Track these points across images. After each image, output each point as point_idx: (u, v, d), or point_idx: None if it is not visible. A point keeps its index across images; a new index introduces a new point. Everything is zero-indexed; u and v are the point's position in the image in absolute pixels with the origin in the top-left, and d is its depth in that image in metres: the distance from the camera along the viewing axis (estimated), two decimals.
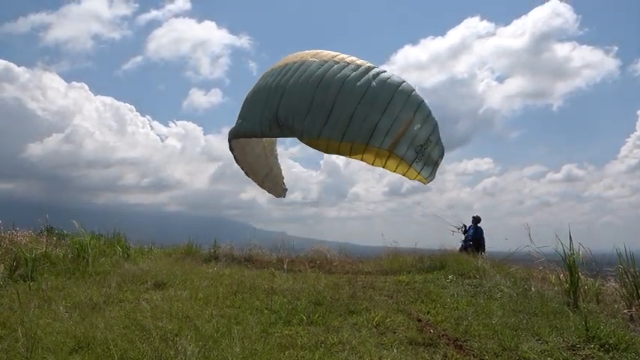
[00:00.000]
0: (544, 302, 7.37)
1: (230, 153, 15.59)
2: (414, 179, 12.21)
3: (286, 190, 17.69)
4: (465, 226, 15.42)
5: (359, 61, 11.95)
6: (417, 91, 11.85)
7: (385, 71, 11.88)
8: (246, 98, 14.27)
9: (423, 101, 11.78)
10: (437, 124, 11.98)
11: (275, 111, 12.24)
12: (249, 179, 16.75)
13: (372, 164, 11.90)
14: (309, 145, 12.05)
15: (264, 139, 15.62)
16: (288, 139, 17.01)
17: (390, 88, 11.38)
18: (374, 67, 11.84)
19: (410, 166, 11.58)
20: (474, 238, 15.05)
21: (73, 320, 5.89)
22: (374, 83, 11.31)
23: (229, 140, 15.04)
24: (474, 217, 15.55)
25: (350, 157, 11.93)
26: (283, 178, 17.52)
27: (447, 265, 10.95)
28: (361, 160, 11.89)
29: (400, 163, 11.61)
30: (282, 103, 12.11)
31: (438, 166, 12.39)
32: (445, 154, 12.57)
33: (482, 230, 15.26)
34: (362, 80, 11.33)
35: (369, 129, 11.07)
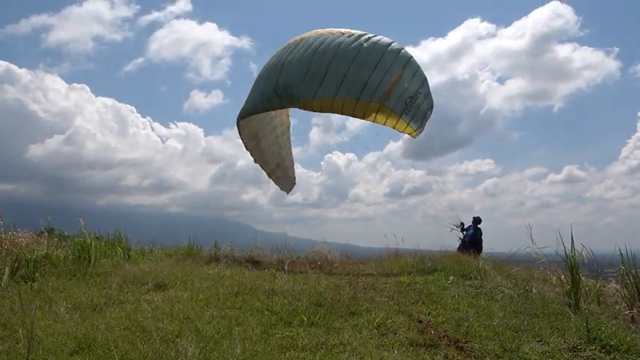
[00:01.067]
0: (545, 303, 7.36)
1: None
2: (403, 131, 12.53)
3: (295, 184, 17.71)
4: (462, 224, 15.44)
5: (355, 32, 12.53)
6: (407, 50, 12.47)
7: (377, 35, 12.45)
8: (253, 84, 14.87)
9: (411, 57, 12.29)
10: (426, 78, 12.41)
11: (274, 84, 12.78)
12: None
13: (363, 118, 12.29)
14: (305, 108, 12.60)
15: (277, 128, 15.99)
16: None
17: (381, 47, 12.03)
18: (368, 34, 12.41)
19: (399, 117, 11.96)
20: (472, 238, 15.07)
21: (74, 321, 5.89)
22: (365, 45, 11.98)
23: (237, 124, 15.19)
24: (474, 218, 15.57)
25: (342, 114, 12.38)
26: (294, 171, 17.59)
27: (447, 266, 10.95)
28: (352, 115, 12.26)
29: (390, 115, 12.00)
30: (282, 75, 12.68)
31: (426, 119, 12.67)
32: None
33: (481, 232, 15.28)
34: (355, 44, 12.04)
35: (360, 85, 11.70)
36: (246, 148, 16.05)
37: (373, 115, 12.09)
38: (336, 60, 11.83)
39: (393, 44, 12.19)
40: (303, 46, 12.63)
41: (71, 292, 7.57)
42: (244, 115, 14.49)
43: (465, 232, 15.38)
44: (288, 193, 17.84)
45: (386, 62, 11.83)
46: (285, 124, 16.55)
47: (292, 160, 17.39)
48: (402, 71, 11.88)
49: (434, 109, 12.83)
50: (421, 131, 12.68)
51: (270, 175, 16.94)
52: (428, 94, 12.39)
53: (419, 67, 12.40)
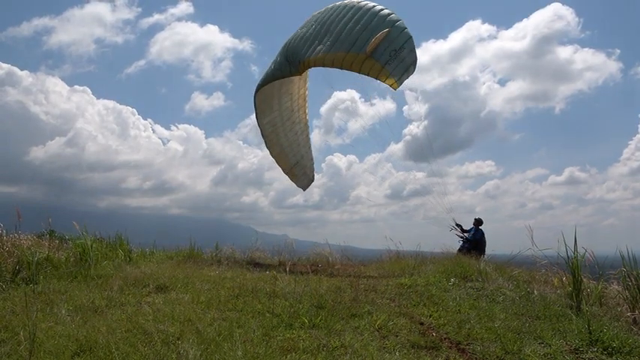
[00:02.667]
0: (547, 305, 7.35)
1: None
2: (385, 82, 13.12)
3: (312, 181, 17.99)
4: (460, 225, 15.43)
5: (357, 1, 13.64)
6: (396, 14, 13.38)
7: (374, 3, 13.47)
8: None
9: (400, 20, 13.09)
10: (412, 37, 13.05)
11: (285, 52, 14.34)
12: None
13: (350, 69, 13.11)
14: (303, 68, 13.84)
15: (296, 124, 16.43)
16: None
17: (374, 11, 13.16)
18: (367, 3, 13.44)
19: (383, 67, 12.68)
20: (472, 240, 15.06)
21: (75, 324, 5.90)
22: (360, 9, 13.26)
23: (255, 104, 15.56)
24: (475, 220, 15.55)
25: (332, 67, 13.39)
26: (313, 169, 17.82)
27: (448, 268, 10.92)
28: (341, 67, 13.18)
29: (374, 65, 12.75)
30: (291, 44, 14.26)
31: (409, 73, 13.14)
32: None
33: (482, 232, 15.24)
34: (352, 9, 13.36)
35: (351, 41, 12.89)
36: (263, 135, 16.26)
37: (359, 65, 12.96)
38: (334, 24, 13.36)
39: (384, 9, 13.34)
40: (312, 18, 14.37)
41: (72, 295, 7.57)
42: (262, 84, 15.03)
43: (466, 234, 15.37)
44: (304, 190, 18.06)
45: (377, 23, 12.99)
46: (302, 122, 16.80)
47: (311, 158, 17.65)
48: (390, 29, 12.86)
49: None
50: (400, 84, 13.22)
51: (287, 172, 17.11)
52: (413, 50, 13.05)
53: (406, 27, 13.29)
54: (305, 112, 16.82)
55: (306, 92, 16.43)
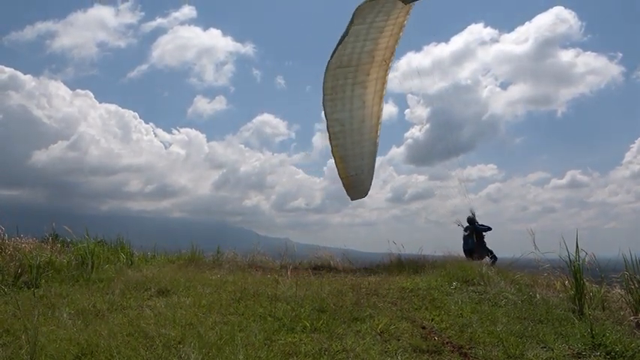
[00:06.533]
0: (549, 309, 7.32)
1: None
2: None
3: (364, 196, 17.65)
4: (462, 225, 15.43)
5: None
6: None
7: None
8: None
9: None
10: None
11: None
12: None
13: None
14: None
15: (365, 133, 16.02)
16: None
17: None
18: None
19: None
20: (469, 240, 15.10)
21: (77, 327, 5.90)
22: None
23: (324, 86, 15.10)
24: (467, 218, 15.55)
25: None
26: (371, 184, 17.46)
27: (450, 271, 10.89)
28: None
29: None
30: None
31: None
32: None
33: (475, 228, 15.08)
34: None
35: None
36: (328, 127, 15.65)
37: None
38: None
39: None
40: None
41: (74, 298, 7.57)
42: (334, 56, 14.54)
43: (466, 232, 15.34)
44: (351, 200, 17.72)
45: None
46: (373, 119, 16.23)
47: (372, 173, 17.19)
48: None
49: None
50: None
51: (342, 177, 16.75)
52: None
53: None
54: (379, 114, 15.99)
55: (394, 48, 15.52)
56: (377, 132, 16.34)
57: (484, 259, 13.75)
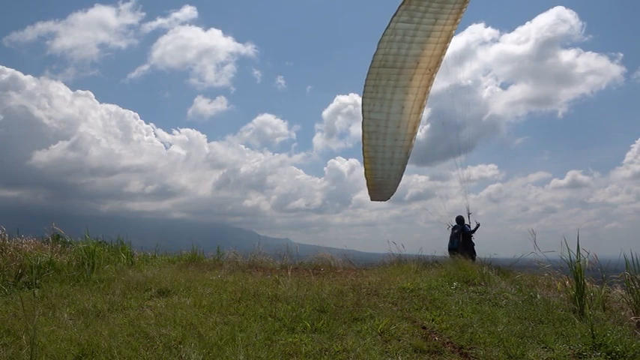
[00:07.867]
0: (550, 309, 7.31)
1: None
2: None
3: (385, 200, 17.44)
4: (478, 225, 15.37)
5: None
6: None
7: None
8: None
9: None
10: None
11: None
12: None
13: None
14: None
15: (399, 138, 15.79)
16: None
17: None
18: None
19: None
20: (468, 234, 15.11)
21: (77, 328, 5.90)
22: None
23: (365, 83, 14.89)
24: (457, 217, 15.54)
25: None
26: (395, 189, 17.15)
27: (451, 271, 10.89)
28: None
29: None
30: None
31: None
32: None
33: (467, 229, 15.07)
34: None
35: None
36: (363, 125, 15.44)
37: None
38: None
39: None
40: None
41: (74, 299, 7.57)
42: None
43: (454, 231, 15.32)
44: (371, 201, 17.43)
45: None
46: (407, 139, 15.98)
47: (399, 180, 16.83)
48: None
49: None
50: None
51: (367, 178, 16.53)
52: None
53: None
54: (418, 119, 15.68)
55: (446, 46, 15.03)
56: (411, 141, 16.05)
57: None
